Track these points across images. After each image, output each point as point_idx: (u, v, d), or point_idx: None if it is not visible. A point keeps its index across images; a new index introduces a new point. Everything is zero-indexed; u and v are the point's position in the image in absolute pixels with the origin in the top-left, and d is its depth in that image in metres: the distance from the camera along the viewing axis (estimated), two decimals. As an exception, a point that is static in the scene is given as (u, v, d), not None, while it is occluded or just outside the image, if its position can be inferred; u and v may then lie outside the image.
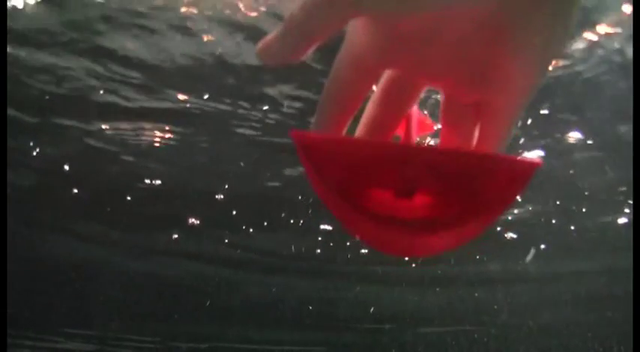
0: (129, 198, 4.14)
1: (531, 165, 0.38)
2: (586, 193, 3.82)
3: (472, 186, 0.39)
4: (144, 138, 3.33)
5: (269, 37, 0.40)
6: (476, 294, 6.29)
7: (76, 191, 4.07)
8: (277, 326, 7.29)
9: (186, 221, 4.46)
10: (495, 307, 6.61)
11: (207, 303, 6.72)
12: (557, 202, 3.98)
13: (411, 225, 0.38)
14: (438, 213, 0.39)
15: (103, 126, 3.24)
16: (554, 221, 4.27)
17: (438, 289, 6.13)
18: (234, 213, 4.32)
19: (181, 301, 6.66)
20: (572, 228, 4.39)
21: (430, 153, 0.38)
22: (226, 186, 3.89)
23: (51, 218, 4.58)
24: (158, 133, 3.30)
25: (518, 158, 0.38)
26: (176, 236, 4.78)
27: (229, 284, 6.14)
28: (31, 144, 3.48)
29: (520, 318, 6.85)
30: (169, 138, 3.33)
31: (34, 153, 3.57)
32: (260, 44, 0.40)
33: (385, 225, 0.37)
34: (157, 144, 3.40)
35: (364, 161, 0.38)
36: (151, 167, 3.67)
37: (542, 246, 4.81)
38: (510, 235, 4.53)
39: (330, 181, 0.38)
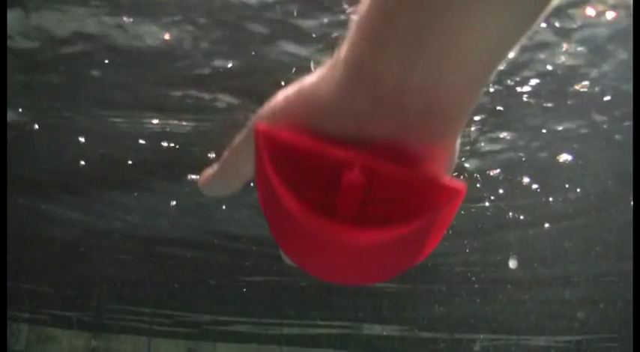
0: (130, 161, 3.98)
1: (452, 196, 0.36)
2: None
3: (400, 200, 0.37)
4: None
5: (208, 172, 0.44)
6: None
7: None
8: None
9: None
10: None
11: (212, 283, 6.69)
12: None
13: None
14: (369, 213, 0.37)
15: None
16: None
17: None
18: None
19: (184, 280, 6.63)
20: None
21: (372, 158, 0.35)
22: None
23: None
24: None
25: (446, 182, 0.36)
26: (174, 202, 4.61)
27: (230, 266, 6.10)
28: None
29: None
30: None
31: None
32: (201, 179, 0.45)
33: (324, 224, 0.35)
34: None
35: (312, 162, 0.36)
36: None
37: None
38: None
39: (286, 181, 0.36)
